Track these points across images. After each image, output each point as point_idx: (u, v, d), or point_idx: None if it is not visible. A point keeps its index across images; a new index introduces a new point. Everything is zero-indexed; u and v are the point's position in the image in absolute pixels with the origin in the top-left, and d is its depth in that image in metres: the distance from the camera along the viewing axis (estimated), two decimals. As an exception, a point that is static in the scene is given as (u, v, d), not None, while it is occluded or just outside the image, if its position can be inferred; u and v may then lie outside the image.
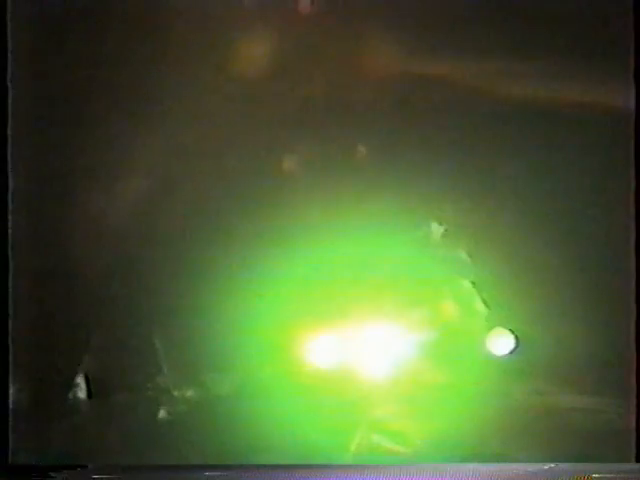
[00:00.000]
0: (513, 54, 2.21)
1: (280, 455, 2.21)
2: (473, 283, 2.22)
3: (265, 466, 2.20)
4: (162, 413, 2.21)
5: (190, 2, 2.26)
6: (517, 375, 2.21)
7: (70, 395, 2.19)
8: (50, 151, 2.25)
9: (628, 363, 2.17)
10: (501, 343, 2.21)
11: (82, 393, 2.19)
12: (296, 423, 2.22)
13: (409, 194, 2.23)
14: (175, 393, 2.22)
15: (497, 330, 2.22)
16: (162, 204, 2.25)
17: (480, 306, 2.23)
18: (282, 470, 2.19)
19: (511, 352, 2.21)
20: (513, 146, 2.21)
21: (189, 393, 2.23)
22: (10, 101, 2.23)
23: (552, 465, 2.18)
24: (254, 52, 2.25)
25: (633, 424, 2.14)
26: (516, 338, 2.21)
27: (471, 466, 2.19)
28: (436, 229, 2.23)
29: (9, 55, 2.22)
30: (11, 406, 2.17)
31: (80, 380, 2.19)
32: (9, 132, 2.22)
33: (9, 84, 2.22)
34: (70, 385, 2.19)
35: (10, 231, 2.21)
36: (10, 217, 2.21)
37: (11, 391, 2.18)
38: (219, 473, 2.18)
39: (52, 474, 2.09)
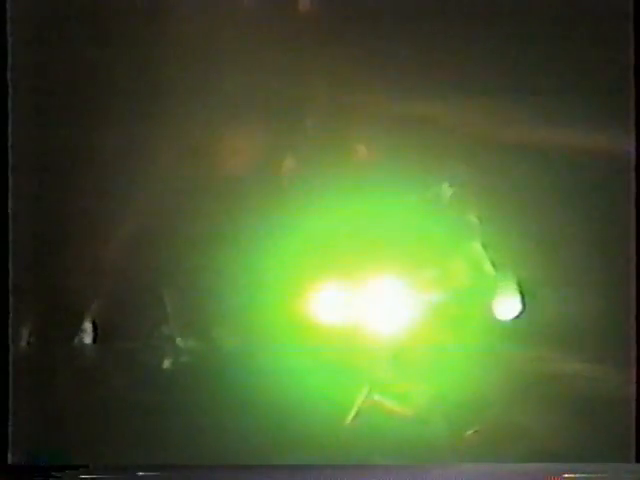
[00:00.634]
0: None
1: (282, 413, 2.21)
2: (482, 245, 2.21)
3: (270, 467, 2.20)
4: (166, 362, 2.23)
5: (190, 2, 2.28)
6: (521, 340, 2.19)
7: (76, 340, 2.22)
8: (50, 149, 2.28)
9: (634, 332, 2.15)
10: (507, 307, 2.20)
11: (88, 338, 2.21)
12: (299, 379, 2.22)
13: (419, 154, 2.23)
14: (180, 343, 2.24)
15: (504, 294, 2.20)
16: (161, 156, 2.27)
17: (488, 269, 2.21)
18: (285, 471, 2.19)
19: (517, 317, 2.19)
20: (523, 105, 2.20)
21: (194, 344, 2.24)
22: (10, 101, 2.25)
23: (551, 465, 2.15)
24: (253, 52, 2.26)
25: (634, 392, 2.12)
26: (523, 302, 2.19)
27: (469, 466, 2.18)
28: (446, 190, 2.22)
29: (9, 54, 2.24)
30: (15, 352, 2.20)
31: (87, 325, 2.21)
32: (9, 132, 2.24)
33: (9, 83, 2.25)
34: (77, 329, 2.22)
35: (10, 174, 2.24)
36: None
37: (15, 334, 2.21)
38: (223, 474, 2.18)
39: (53, 474, 2.10)
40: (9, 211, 2.19)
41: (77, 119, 2.24)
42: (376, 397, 2.23)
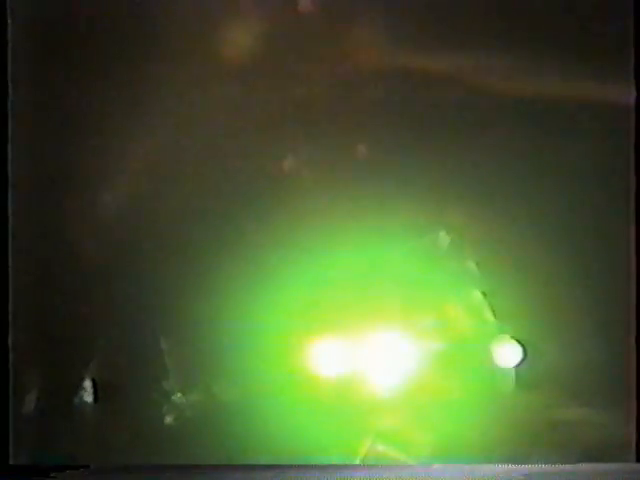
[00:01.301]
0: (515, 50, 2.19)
1: (284, 460, 2.21)
2: (481, 293, 2.21)
3: (270, 467, 2.19)
4: (168, 418, 2.22)
5: (189, 2, 2.26)
6: (524, 387, 2.19)
7: (76, 399, 2.21)
8: (50, 149, 2.27)
9: (635, 377, 2.15)
10: (508, 355, 2.19)
11: (89, 397, 2.20)
12: (302, 431, 2.21)
13: (416, 202, 2.22)
14: (181, 398, 2.23)
15: (504, 341, 2.20)
16: (165, 209, 2.26)
17: (488, 316, 2.21)
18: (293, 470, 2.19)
19: (518, 364, 2.19)
20: (521, 152, 2.19)
21: (195, 398, 2.23)
22: (10, 100, 2.24)
23: (552, 465, 2.15)
24: (253, 52, 2.25)
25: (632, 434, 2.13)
26: (523, 350, 2.19)
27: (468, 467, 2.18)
28: (443, 238, 2.21)
29: (9, 55, 2.24)
30: (14, 410, 2.18)
31: (87, 384, 2.20)
32: (9, 131, 2.23)
33: (9, 83, 2.24)
34: (76, 389, 2.21)
35: (10, 237, 2.23)
36: (10, 224, 2.22)
37: (15, 394, 2.20)
38: (223, 474, 2.18)
39: (53, 474, 2.10)
40: (9, 281, 2.19)
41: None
42: (380, 447, 2.23)
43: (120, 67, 2.25)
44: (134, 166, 2.25)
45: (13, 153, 2.24)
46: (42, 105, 2.25)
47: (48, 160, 2.26)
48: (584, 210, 2.19)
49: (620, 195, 2.17)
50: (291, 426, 2.21)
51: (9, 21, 2.24)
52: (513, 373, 2.19)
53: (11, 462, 2.20)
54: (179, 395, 2.22)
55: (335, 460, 2.21)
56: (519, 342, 2.19)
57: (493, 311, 2.20)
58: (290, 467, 2.19)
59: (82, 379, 2.21)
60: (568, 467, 2.14)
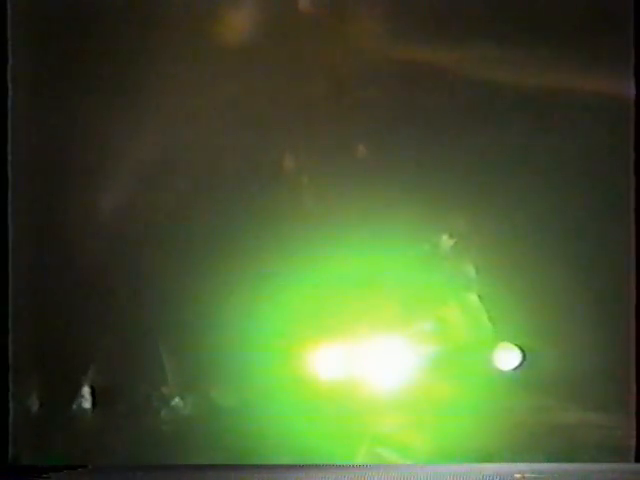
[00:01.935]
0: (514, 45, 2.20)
1: (282, 469, 2.21)
2: (480, 297, 2.21)
3: (271, 467, 2.19)
4: (166, 423, 2.21)
5: (189, 1, 2.24)
6: (522, 390, 2.20)
7: (74, 405, 2.19)
8: (49, 149, 2.24)
9: (635, 379, 2.17)
10: (507, 358, 2.20)
11: (87, 403, 2.18)
12: (301, 435, 2.21)
13: (417, 206, 2.22)
14: (180, 404, 2.21)
15: (503, 345, 2.21)
16: (164, 213, 2.24)
17: (486, 320, 2.21)
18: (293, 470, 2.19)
19: (517, 367, 2.20)
20: (521, 159, 2.20)
21: (194, 404, 2.22)
22: (10, 100, 2.21)
23: (552, 465, 2.17)
24: (254, 51, 2.23)
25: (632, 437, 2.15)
26: (522, 353, 2.20)
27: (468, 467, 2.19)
28: (445, 242, 2.21)
29: (9, 54, 2.21)
30: (14, 416, 2.16)
31: (85, 390, 2.18)
32: (9, 131, 2.21)
33: (9, 83, 2.21)
34: (75, 395, 2.19)
35: (10, 242, 2.21)
36: (10, 228, 2.20)
37: (14, 402, 2.18)
38: (223, 474, 2.17)
39: (52, 474, 2.08)
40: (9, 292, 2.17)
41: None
42: (379, 451, 2.23)
43: (119, 66, 2.23)
44: (134, 166, 2.22)
45: (13, 153, 2.21)
46: (42, 105, 2.22)
47: (48, 160, 2.23)
48: (585, 216, 2.20)
49: (622, 202, 2.18)
50: (290, 431, 2.21)
51: (9, 21, 2.20)
52: (512, 376, 2.20)
53: (10, 462, 2.18)
54: (177, 400, 2.21)
55: (332, 463, 2.21)
56: (518, 346, 2.20)
57: (492, 315, 2.21)
58: (291, 467, 2.19)
59: (80, 386, 2.19)
60: (568, 467, 2.15)
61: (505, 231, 2.21)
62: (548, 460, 2.18)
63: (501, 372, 2.21)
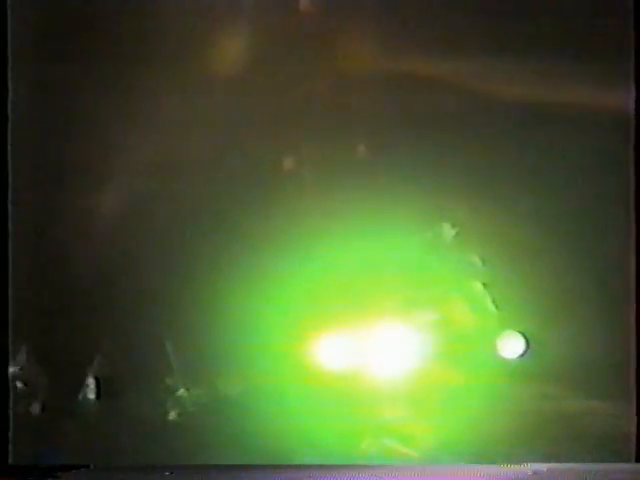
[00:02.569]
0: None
1: (289, 457, 2.21)
2: (484, 285, 2.21)
3: (271, 467, 2.19)
4: (172, 414, 2.21)
5: (189, 1, 2.24)
6: (527, 378, 2.20)
7: (80, 396, 2.19)
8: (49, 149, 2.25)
9: (635, 374, 2.17)
10: (511, 346, 2.21)
11: (92, 394, 2.19)
12: (306, 425, 2.22)
13: (420, 195, 2.22)
14: (185, 394, 2.22)
15: (507, 333, 2.21)
16: (166, 205, 2.24)
17: (491, 308, 2.22)
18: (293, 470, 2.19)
19: (521, 356, 2.20)
20: (523, 147, 2.20)
21: (199, 394, 2.22)
22: (10, 100, 2.22)
23: (552, 465, 2.17)
24: (254, 51, 2.24)
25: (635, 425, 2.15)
26: (526, 341, 2.20)
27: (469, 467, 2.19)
28: (447, 230, 2.22)
29: (9, 55, 2.21)
30: (17, 407, 2.17)
31: (90, 381, 2.19)
32: (9, 131, 2.21)
33: (9, 84, 2.21)
34: (79, 386, 2.19)
35: (11, 234, 2.21)
36: (10, 223, 2.20)
37: (17, 394, 2.19)
38: (224, 474, 2.17)
39: (53, 474, 2.08)
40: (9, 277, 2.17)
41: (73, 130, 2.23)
42: (384, 441, 2.23)
43: (119, 67, 2.23)
44: (134, 166, 2.23)
45: (13, 153, 2.22)
46: (42, 105, 2.23)
47: (48, 160, 2.23)
48: (588, 203, 2.20)
49: (622, 188, 2.19)
50: (295, 420, 2.22)
51: (9, 19, 2.20)
52: (516, 365, 2.20)
53: (10, 462, 2.18)
54: (182, 391, 2.21)
55: (339, 454, 2.22)
56: (522, 334, 2.20)
57: (496, 304, 2.21)
58: (291, 467, 2.19)
59: (85, 376, 2.19)
60: (568, 467, 2.15)
61: (508, 220, 2.21)
62: (551, 448, 2.18)
63: (505, 360, 2.21)
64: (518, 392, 2.21)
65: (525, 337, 2.20)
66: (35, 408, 2.19)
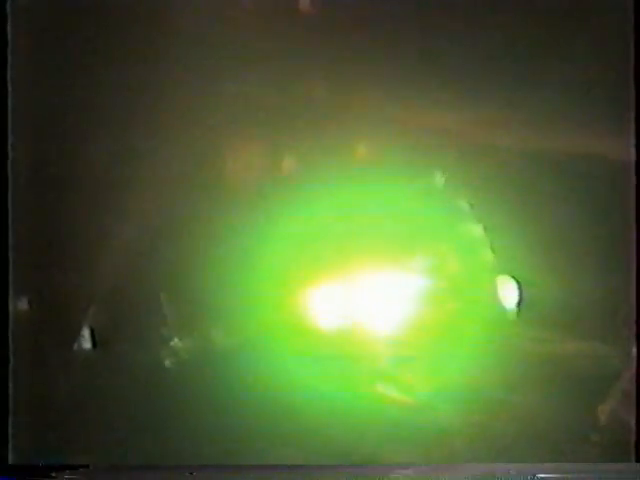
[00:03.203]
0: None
1: (283, 407, 2.21)
2: (478, 231, 2.21)
3: (272, 466, 2.19)
4: (166, 363, 2.22)
5: (190, 2, 2.27)
6: (522, 323, 2.20)
7: (75, 345, 2.21)
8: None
9: (634, 310, 2.15)
10: (506, 293, 2.20)
11: (87, 343, 2.20)
12: (300, 374, 2.21)
13: (411, 143, 2.23)
14: (179, 344, 2.23)
15: (502, 279, 2.20)
16: (159, 156, 2.26)
17: (485, 255, 2.21)
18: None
19: (515, 301, 2.19)
20: (512, 85, 2.20)
21: (193, 344, 2.23)
22: (10, 100, 2.24)
23: (551, 465, 2.15)
24: (253, 52, 2.26)
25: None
26: (520, 288, 2.19)
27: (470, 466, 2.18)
28: (439, 178, 2.22)
29: (9, 55, 2.23)
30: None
31: (85, 331, 2.20)
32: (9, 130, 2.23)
33: (9, 85, 2.23)
34: (75, 335, 2.21)
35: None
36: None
37: (15, 339, 2.21)
38: (224, 474, 2.17)
39: (52, 474, 2.09)
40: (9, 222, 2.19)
41: (72, 126, 2.25)
42: (380, 388, 2.23)
43: (119, 67, 2.25)
44: (130, 173, 2.25)
45: (13, 152, 2.24)
46: (42, 105, 2.25)
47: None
48: (583, 147, 2.19)
49: (623, 128, 2.17)
50: (289, 371, 2.21)
51: (9, 18, 2.23)
52: (512, 311, 2.19)
53: (10, 462, 2.18)
54: (176, 341, 2.22)
55: (332, 401, 2.21)
56: (517, 280, 2.20)
57: (491, 250, 2.21)
58: (291, 467, 2.18)
59: (80, 326, 2.20)
60: (568, 467, 2.13)
61: (501, 166, 2.21)
62: (545, 390, 2.17)
63: (500, 306, 2.20)
64: (513, 337, 2.20)
65: (519, 282, 2.19)
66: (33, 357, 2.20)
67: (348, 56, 2.23)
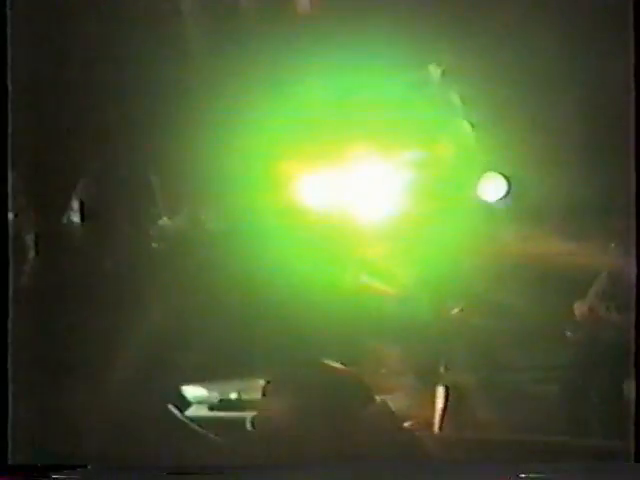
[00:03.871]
0: None
1: (268, 292, 2.22)
2: (468, 126, 2.22)
3: (271, 466, 2.20)
4: (153, 243, 2.24)
5: (189, 3, 2.26)
6: (507, 220, 2.21)
7: (64, 219, 2.23)
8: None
9: (621, 209, 2.17)
10: (493, 188, 2.21)
11: (76, 217, 2.22)
12: (285, 261, 2.23)
13: (407, 35, 2.23)
14: (167, 223, 2.24)
15: (489, 174, 2.22)
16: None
17: (474, 150, 2.22)
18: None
19: (502, 197, 2.20)
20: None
21: (181, 225, 2.25)
22: (10, 100, 2.23)
23: (551, 464, 2.16)
24: (253, 51, 2.25)
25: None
26: (508, 183, 2.20)
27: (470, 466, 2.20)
28: (434, 71, 2.22)
29: (9, 55, 2.22)
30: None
31: (75, 204, 2.22)
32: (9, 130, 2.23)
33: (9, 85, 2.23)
34: (64, 209, 2.23)
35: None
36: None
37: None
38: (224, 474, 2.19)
39: (52, 474, 2.10)
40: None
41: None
42: (364, 278, 2.25)
43: (119, 66, 2.24)
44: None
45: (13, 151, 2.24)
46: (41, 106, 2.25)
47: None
48: (578, 44, 2.19)
49: (621, 31, 2.17)
50: (275, 254, 2.23)
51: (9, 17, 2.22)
52: (497, 205, 2.21)
53: (10, 462, 2.19)
54: (165, 220, 2.24)
55: (316, 289, 2.23)
56: (505, 176, 2.21)
57: (480, 144, 2.22)
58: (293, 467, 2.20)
59: (70, 199, 2.22)
60: (568, 467, 2.13)
61: (494, 61, 2.22)
62: (529, 288, 2.19)
63: (486, 202, 2.22)
64: (497, 233, 2.22)
65: (507, 179, 2.21)
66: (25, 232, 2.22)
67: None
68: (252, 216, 2.24)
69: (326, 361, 2.23)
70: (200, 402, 2.21)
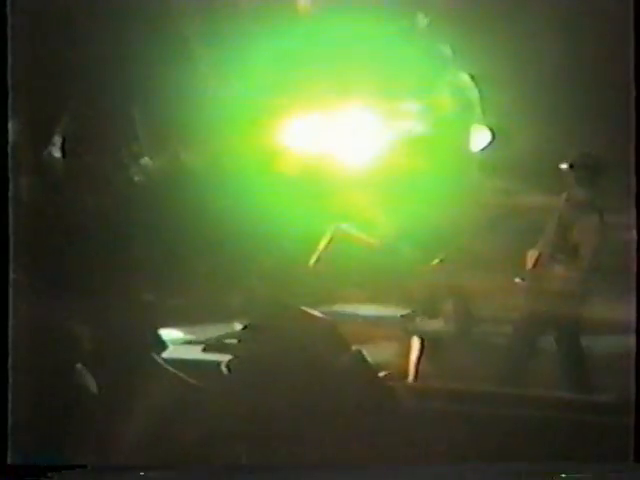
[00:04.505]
0: None
1: (247, 231, 2.21)
2: (459, 79, 2.23)
3: (272, 466, 2.19)
4: (135, 179, 2.21)
5: (190, 2, 2.24)
6: (490, 172, 2.23)
7: (45, 153, 2.19)
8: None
9: (605, 164, 2.19)
10: (477, 138, 2.22)
11: (57, 152, 2.18)
12: (266, 205, 2.21)
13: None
14: (149, 162, 2.22)
15: (474, 126, 2.23)
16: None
17: (460, 101, 2.23)
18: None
19: (486, 147, 2.21)
20: None
21: (163, 164, 2.23)
22: (10, 100, 2.19)
23: (551, 464, 2.16)
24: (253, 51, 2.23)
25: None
26: (492, 133, 2.21)
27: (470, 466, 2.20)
28: (421, 20, 2.23)
29: (9, 55, 2.18)
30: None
31: (56, 139, 2.18)
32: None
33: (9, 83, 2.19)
34: (46, 144, 2.19)
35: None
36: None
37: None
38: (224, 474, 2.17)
39: (51, 474, 2.08)
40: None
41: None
42: (344, 227, 2.25)
43: (119, 66, 2.21)
44: None
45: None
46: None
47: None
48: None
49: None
50: (257, 200, 2.21)
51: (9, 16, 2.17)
52: (478, 155, 2.22)
53: (9, 462, 2.16)
54: (147, 159, 2.22)
55: (298, 238, 2.23)
56: (489, 127, 2.22)
57: (471, 97, 2.23)
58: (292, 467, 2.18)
59: (52, 134, 2.18)
60: (568, 467, 2.13)
61: (485, 11, 2.22)
62: (506, 238, 2.21)
63: (470, 152, 2.23)
64: (479, 184, 2.23)
65: (492, 130, 2.22)
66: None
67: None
68: (236, 159, 2.22)
69: (304, 308, 2.22)
70: (177, 344, 2.19)
